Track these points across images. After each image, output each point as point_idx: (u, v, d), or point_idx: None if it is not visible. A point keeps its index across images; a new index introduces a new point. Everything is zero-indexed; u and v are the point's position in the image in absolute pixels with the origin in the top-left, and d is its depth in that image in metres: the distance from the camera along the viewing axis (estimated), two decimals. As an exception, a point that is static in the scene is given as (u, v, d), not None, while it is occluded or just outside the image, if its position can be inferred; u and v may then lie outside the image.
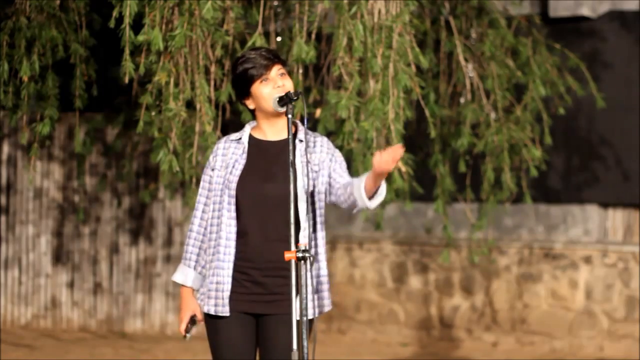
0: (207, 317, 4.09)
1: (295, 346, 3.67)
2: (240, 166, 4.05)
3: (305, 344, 3.70)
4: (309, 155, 4.08)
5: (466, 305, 9.46)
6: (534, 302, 9.19)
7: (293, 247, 3.74)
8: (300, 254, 3.72)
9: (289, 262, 3.74)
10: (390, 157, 3.75)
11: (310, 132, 4.15)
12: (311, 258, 3.73)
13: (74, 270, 9.87)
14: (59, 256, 9.89)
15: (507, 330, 9.27)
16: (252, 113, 4.15)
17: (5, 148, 10.01)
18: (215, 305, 4.01)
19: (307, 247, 3.75)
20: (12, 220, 9.96)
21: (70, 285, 9.88)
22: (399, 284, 9.76)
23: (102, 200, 9.86)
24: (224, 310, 4.01)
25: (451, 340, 9.46)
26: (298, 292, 3.75)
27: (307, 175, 3.92)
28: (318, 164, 4.08)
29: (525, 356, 8.89)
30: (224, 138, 4.18)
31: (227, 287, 4.01)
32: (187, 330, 4.14)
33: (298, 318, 3.74)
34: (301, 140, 4.09)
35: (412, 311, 9.68)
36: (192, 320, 4.14)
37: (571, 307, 9.05)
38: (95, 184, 9.79)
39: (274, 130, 4.10)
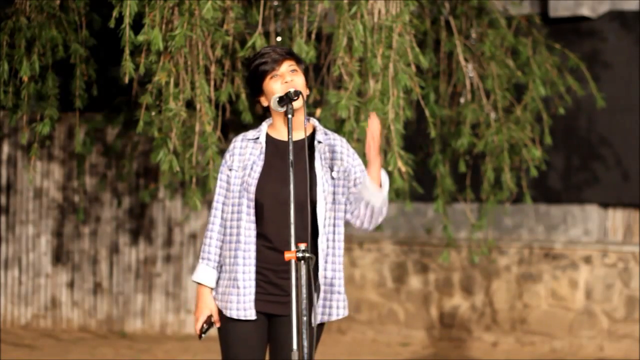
0: (223, 317, 4.07)
1: (295, 346, 3.67)
2: (258, 168, 4.01)
3: (305, 344, 3.69)
4: (325, 161, 4.06)
5: (466, 305, 9.46)
6: (534, 302, 9.19)
7: (293, 247, 3.74)
8: (300, 254, 3.71)
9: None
10: (373, 137, 3.83)
11: (327, 132, 4.13)
12: (311, 259, 3.72)
13: (74, 270, 9.87)
14: (59, 256, 9.89)
15: (507, 330, 9.27)
16: (267, 110, 4.10)
17: (5, 148, 10.01)
18: (237, 309, 3.99)
19: (307, 248, 3.73)
20: (12, 220, 9.96)
21: (70, 285, 9.87)
22: (399, 284, 9.76)
23: (102, 200, 9.86)
24: (249, 314, 4.00)
25: (451, 340, 9.46)
26: (299, 292, 3.74)
27: (309, 178, 3.91)
28: (338, 171, 4.06)
29: (525, 356, 8.88)
30: (241, 136, 4.12)
31: (250, 290, 3.99)
32: (203, 331, 4.07)
33: (306, 319, 3.74)
34: (320, 142, 4.06)
35: (412, 311, 9.68)
36: (209, 321, 4.08)
37: (571, 307, 9.05)
38: (95, 184, 9.79)
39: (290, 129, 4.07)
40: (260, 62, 4.01)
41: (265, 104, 4.07)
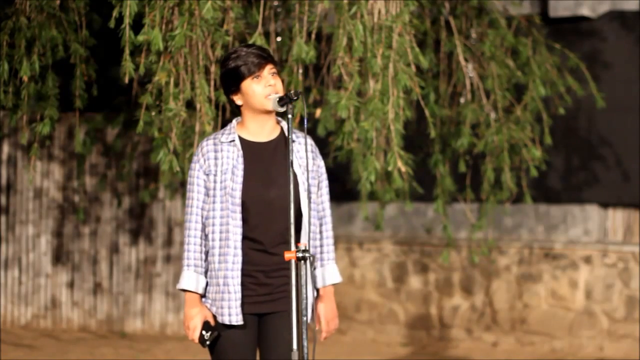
0: (216, 322, 4.08)
1: (295, 346, 3.67)
2: (239, 172, 4.02)
3: (305, 343, 3.70)
4: (301, 160, 4.09)
5: (466, 305, 9.46)
6: (534, 302, 9.19)
7: (293, 247, 3.75)
8: (300, 254, 3.72)
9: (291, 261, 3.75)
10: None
11: (295, 131, 4.17)
12: (311, 258, 3.73)
13: (74, 270, 9.87)
14: (59, 256, 9.89)
15: (507, 330, 9.27)
16: (238, 109, 4.14)
17: (5, 148, 10.01)
18: (230, 314, 4.00)
19: (307, 247, 3.75)
20: (12, 220, 9.96)
21: (70, 285, 9.87)
22: (399, 284, 9.76)
23: (102, 200, 9.86)
24: (238, 319, 4.01)
25: (451, 340, 9.46)
26: (299, 292, 3.75)
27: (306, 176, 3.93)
28: (312, 170, 4.12)
29: (525, 356, 8.88)
30: (211, 139, 4.11)
31: (238, 295, 4.00)
32: (206, 338, 4.03)
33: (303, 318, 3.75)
34: (293, 141, 4.09)
35: (412, 311, 9.68)
36: (209, 327, 4.04)
37: (571, 307, 9.05)
38: (95, 184, 9.79)
39: (262, 130, 4.09)
40: (240, 63, 4.04)
41: (239, 102, 4.10)
